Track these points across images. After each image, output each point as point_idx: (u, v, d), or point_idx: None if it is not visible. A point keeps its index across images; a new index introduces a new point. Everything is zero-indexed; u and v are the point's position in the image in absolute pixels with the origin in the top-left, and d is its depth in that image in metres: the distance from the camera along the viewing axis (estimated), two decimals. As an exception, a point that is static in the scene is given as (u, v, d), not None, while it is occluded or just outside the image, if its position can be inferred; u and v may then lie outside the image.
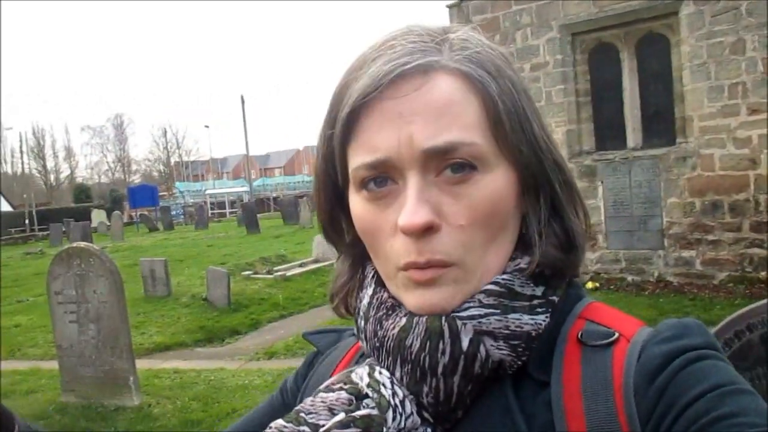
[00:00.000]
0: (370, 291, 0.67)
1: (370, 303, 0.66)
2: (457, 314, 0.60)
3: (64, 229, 25.08)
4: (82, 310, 5.46)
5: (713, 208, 7.80)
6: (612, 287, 8.32)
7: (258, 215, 24.82)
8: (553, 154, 0.64)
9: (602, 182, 8.45)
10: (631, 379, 0.56)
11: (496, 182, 0.61)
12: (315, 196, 0.71)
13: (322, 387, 0.64)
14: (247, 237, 20.56)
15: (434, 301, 0.60)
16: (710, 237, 7.86)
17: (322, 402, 0.62)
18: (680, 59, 7.93)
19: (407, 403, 0.60)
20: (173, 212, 34.33)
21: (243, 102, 43.44)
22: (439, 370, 0.59)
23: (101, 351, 5.44)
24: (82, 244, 5.84)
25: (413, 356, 0.60)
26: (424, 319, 0.60)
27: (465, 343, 0.59)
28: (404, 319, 0.61)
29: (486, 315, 0.60)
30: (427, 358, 0.59)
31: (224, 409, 5.21)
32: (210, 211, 37.77)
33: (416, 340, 0.60)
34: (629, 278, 8.41)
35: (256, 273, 11.91)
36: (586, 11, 8.39)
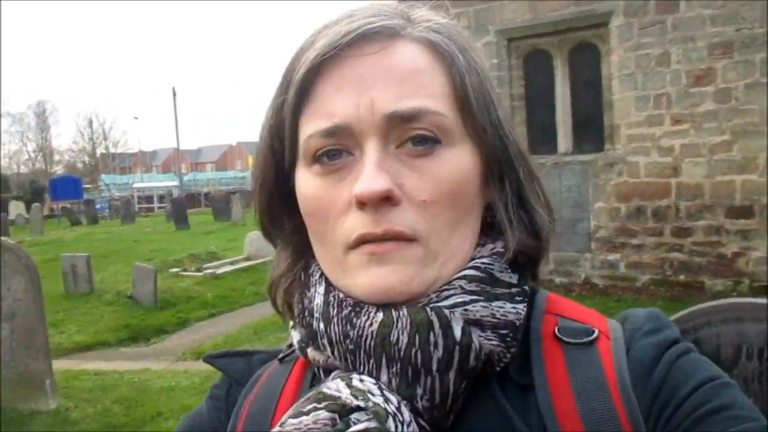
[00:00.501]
0: (321, 289, 0.58)
1: (326, 302, 0.57)
2: (439, 303, 0.54)
3: (-23, 221, 23.77)
4: (-6, 307, 5.15)
5: (637, 214, 8.10)
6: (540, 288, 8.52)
7: (188, 211, 24.19)
8: (518, 143, 0.61)
9: (534, 186, 8.64)
10: (626, 375, 0.54)
11: (462, 159, 0.56)
12: (254, 176, 0.62)
13: (285, 417, 0.53)
14: (176, 233, 19.96)
15: (390, 283, 0.53)
16: (634, 241, 8.16)
17: (297, 430, 0.50)
18: (610, 68, 8.19)
19: (403, 409, 0.52)
20: (98, 205, 33.03)
21: (174, 94, 42.41)
22: (434, 366, 0.52)
23: (15, 351, 5.14)
24: (-3, 237, 5.52)
25: (402, 353, 0.52)
26: (406, 310, 0.53)
27: (458, 333, 0.53)
28: (381, 313, 0.54)
29: (471, 302, 0.55)
30: (419, 354, 0.52)
31: (149, 413, 5.01)
32: (137, 206, 36.62)
33: (402, 334, 0.52)
34: (557, 280, 8.63)
35: (184, 270, 11.56)
36: (522, 17, 8.56)
